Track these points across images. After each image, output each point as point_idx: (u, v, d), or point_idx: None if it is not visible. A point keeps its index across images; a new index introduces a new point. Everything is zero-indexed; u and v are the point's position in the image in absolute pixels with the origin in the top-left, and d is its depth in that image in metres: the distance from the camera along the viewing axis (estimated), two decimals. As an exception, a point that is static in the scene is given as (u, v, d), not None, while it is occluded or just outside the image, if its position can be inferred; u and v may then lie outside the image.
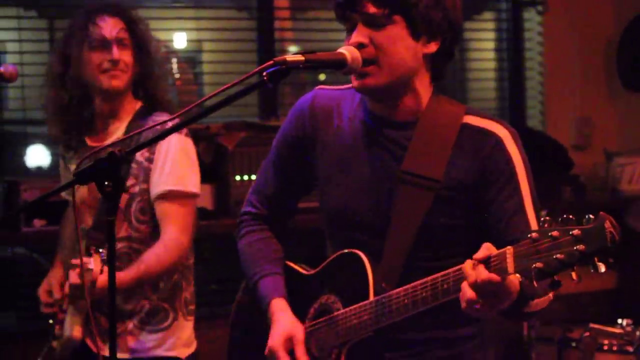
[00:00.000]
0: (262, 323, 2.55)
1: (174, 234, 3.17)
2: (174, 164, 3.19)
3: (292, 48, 5.76)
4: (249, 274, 2.63)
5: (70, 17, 3.42)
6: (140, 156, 3.20)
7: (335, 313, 2.43)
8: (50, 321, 3.37)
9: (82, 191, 3.20)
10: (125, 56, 3.27)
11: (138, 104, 3.34)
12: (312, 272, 2.60)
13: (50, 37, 5.33)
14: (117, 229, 3.19)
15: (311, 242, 2.82)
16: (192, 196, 3.25)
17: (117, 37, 3.27)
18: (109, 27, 3.27)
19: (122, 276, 3.05)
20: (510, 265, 1.99)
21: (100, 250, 3.10)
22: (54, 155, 5.31)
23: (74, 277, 3.06)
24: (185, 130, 3.24)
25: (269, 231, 2.69)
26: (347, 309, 2.40)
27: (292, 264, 2.67)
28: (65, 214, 3.57)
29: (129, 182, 3.21)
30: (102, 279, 2.96)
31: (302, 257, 2.72)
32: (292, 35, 5.77)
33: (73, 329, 3.26)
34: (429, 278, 2.22)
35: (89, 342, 3.28)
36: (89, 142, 3.35)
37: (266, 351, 2.47)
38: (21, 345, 4.57)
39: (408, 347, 2.43)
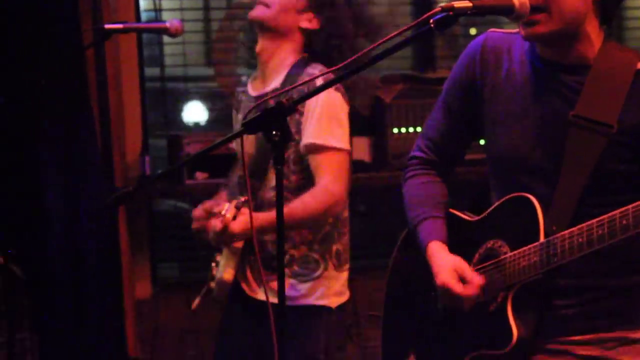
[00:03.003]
0: (421, 270, 2.55)
1: (323, 183, 3.17)
2: (319, 119, 3.19)
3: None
4: (411, 217, 2.62)
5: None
6: None
7: (502, 257, 2.41)
8: (213, 264, 3.44)
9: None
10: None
11: (299, 55, 3.34)
12: (477, 218, 2.58)
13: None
14: (270, 178, 3.26)
15: (473, 194, 2.80)
16: (338, 150, 3.22)
17: None
18: None
19: (262, 217, 3.08)
20: None
21: (241, 198, 3.16)
22: (212, 111, 5.43)
23: (217, 224, 3.12)
24: (337, 85, 3.20)
25: (436, 176, 2.68)
26: (516, 252, 2.36)
27: (455, 212, 2.65)
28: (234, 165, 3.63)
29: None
30: (234, 226, 3.06)
31: (465, 208, 2.70)
32: (445, -13, 5.70)
33: (225, 271, 3.32)
34: (606, 216, 2.18)
35: (243, 285, 3.36)
36: (251, 91, 3.40)
37: (438, 287, 2.43)
38: (183, 295, 4.70)
39: (579, 294, 2.38)
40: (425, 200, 2.62)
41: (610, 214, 2.17)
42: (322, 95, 3.15)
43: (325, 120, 3.19)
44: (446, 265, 2.44)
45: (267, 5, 3.29)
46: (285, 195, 3.19)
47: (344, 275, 3.37)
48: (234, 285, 3.36)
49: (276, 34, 3.32)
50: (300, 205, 3.13)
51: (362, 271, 3.46)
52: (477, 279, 2.40)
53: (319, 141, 3.19)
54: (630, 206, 2.13)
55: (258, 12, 3.31)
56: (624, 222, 2.14)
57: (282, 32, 3.32)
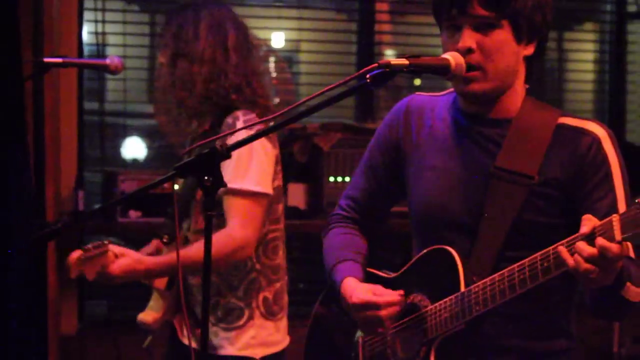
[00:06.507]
0: (342, 329, 2.53)
1: (229, 228, 3.08)
2: (238, 161, 3.08)
3: (389, 52, 5.77)
4: (328, 261, 2.59)
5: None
6: None
7: (423, 310, 2.40)
8: None
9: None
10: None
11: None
12: (395, 274, 2.56)
13: (151, 31, 5.43)
14: (194, 221, 3.21)
15: (397, 247, 2.80)
16: (254, 194, 3.13)
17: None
18: None
19: (148, 261, 3.05)
20: (617, 232, 1.98)
21: (106, 240, 3.05)
22: (150, 148, 5.40)
23: (72, 255, 3.04)
24: (257, 127, 2.95)
25: (357, 230, 2.67)
26: (437, 304, 2.36)
27: (373, 270, 2.62)
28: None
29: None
30: (114, 266, 2.98)
31: (388, 262, 2.69)
32: (390, 38, 5.78)
33: (145, 312, 3.27)
34: (526, 259, 2.19)
35: (177, 327, 3.30)
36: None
37: (356, 306, 2.38)
38: (112, 333, 4.66)
39: (499, 355, 2.38)
40: (345, 247, 2.61)
41: (530, 258, 2.19)
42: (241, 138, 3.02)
43: (242, 162, 3.09)
44: (360, 287, 2.42)
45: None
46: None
47: (277, 324, 3.27)
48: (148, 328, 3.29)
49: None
50: (195, 250, 2.99)
51: (291, 318, 3.41)
52: (394, 291, 2.38)
53: (231, 184, 3.00)
54: (550, 248, 2.14)
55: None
56: (545, 264, 2.15)
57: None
